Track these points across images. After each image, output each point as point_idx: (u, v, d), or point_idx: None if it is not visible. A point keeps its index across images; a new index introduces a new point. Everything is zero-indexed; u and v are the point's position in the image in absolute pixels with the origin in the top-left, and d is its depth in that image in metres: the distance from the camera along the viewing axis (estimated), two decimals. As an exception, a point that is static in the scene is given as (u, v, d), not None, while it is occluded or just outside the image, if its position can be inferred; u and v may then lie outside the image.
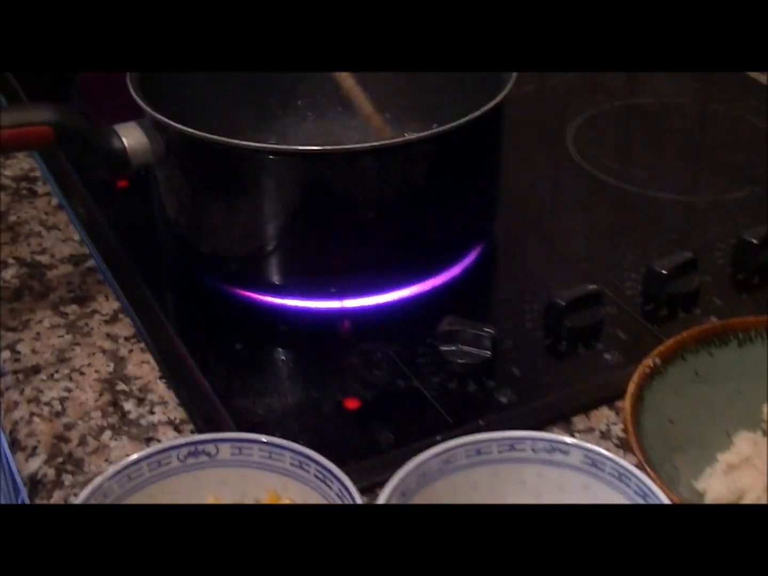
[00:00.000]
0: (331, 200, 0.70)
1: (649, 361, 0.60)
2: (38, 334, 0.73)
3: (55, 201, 0.87)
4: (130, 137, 0.71)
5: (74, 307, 0.76)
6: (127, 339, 0.73)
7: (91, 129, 0.70)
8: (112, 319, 0.74)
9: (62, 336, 0.73)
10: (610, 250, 0.81)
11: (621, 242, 0.81)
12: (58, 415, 0.66)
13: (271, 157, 0.68)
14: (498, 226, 0.80)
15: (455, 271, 0.77)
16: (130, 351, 0.71)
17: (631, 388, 0.58)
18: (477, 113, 0.70)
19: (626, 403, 0.57)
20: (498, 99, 0.72)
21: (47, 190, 0.89)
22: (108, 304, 0.76)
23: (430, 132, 0.69)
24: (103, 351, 0.72)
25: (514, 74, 0.74)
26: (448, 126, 0.69)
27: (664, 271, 0.74)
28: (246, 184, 0.70)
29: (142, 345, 0.72)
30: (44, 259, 0.80)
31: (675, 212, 0.85)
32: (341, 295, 0.74)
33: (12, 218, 0.85)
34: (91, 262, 0.80)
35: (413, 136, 0.68)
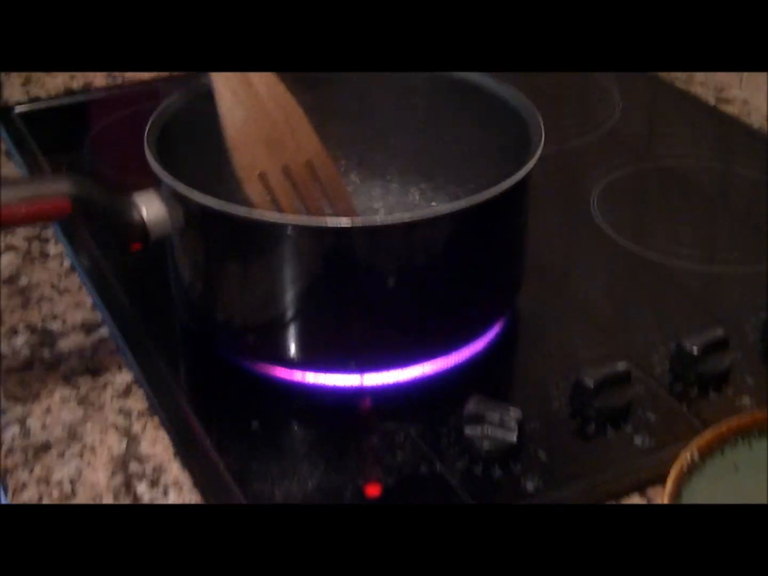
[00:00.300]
0: (351, 274, 0.68)
1: (686, 456, 0.57)
2: (48, 407, 0.71)
3: (67, 263, 0.85)
4: (149, 208, 0.69)
5: (86, 378, 0.73)
6: (140, 414, 0.70)
7: (109, 200, 0.68)
8: (125, 392, 0.72)
9: (73, 410, 0.71)
10: (636, 323, 0.78)
11: (648, 314, 0.79)
12: (68, 497, 0.64)
13: (291, 231, 0.66)
14: (521, 295, 0.78)
15: (479, 345, 0.75)
16: (144, 427, 0.69)
17: (670, 486, 0.55)
18: (504, 185, 0.68)
19: (665, 501, 0.55)
20: (525, 169, 0.70)
21: (59, 251, 0.87)
22: (121, 376, 0.74)
23: (455, 206, 0.67)
24: (116, 427, 0.69)
25: (542, 141, 0.72)
26: (474, 199, 0.67)
27: (694, 351, 0.72)
28: (266, 256, 0.68)
29: (156, 420, 0.70)
30: (56, 325, 0.78)
31: (703, 283, 0.83)
32: (361, 369, 0.71)
33: (23, 281, 0.83)
34: (103, 330, 0.78)
35: (439, 210, 0.66)
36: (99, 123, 1.06)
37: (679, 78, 1.16)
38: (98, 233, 0.85)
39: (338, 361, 0.71)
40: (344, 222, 0.66)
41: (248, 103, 0.72)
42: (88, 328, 0.78)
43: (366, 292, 0.69)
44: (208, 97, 0.78)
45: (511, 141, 0.76)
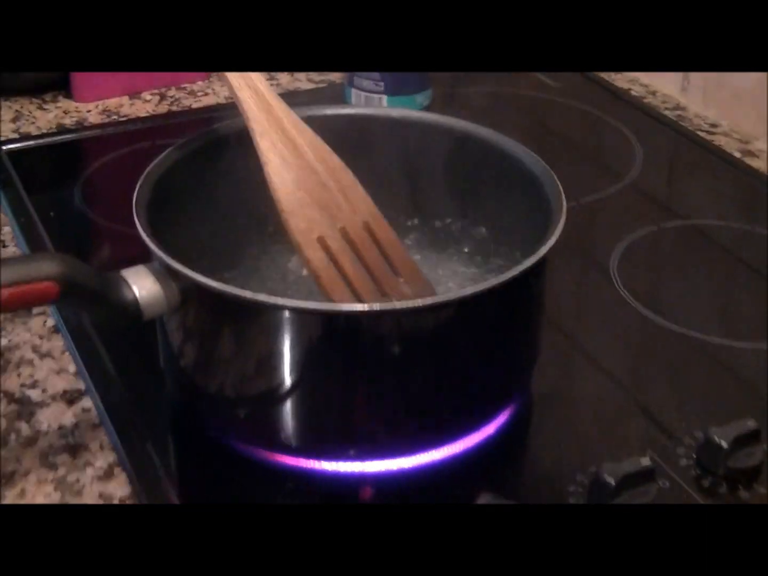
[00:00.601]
0: (352, 357, 0.63)
1: None
2: (23, 490, 0.65)
3: (51, 322, 0.80)
4: (142, 286, 0.63)
5: (65, 457, 0.68)
6: (121, 501, 0.65)
7: (99, 280, 0.63)
8: (107, 475, 0.67)
9: (50, 494, 0.65)
10: (659, 406, 0.73)
11: (672, 396, 0.74)
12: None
13: (291, 314, 0.61)
14: (535, 374, 0.72)
15: (489, 430, 0.69)
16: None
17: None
18: (520, 268, 0.62)
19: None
20: (545, 250, 0.64)
21: (43, 309, 0.81)
22: (102, 455, 0.68)
23: (470, 291, 0.61)
24: (95, 515, 0.64)
25: (563, 219, 0.66)
26: (486, 285, 0.62)
27: (723, 444, 0.66)
28: (263, 338, 0.63)
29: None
30: (35, 394, 0.73)
31: (732, 361, 0.77)
32: (361, 457, 0.66)
33: (3, 342, 0.78)
34: (86, 401, 0.72)
35: (449, 296, 0.61)
36: (92, 163, 1.01)
37: (702, 127, 1.11)
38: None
39: (337, 448, 0.66)
40: (347, 308, 0.61)
41: (296, 165, 0.68)
42: (69, 398, 0.73)
43: (367, 376, 0.64)
44: (207, 150, 0.73)
45: (528, 203, 0.71)
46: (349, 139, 0.74)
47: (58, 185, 0.97)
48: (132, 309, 0.63)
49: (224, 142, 0.72)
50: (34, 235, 0.89)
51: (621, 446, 0.68)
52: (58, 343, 0.78)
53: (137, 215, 0.65)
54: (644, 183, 1.00)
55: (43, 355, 0.77)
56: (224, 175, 0.72)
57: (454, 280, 0.77)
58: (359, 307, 0.61)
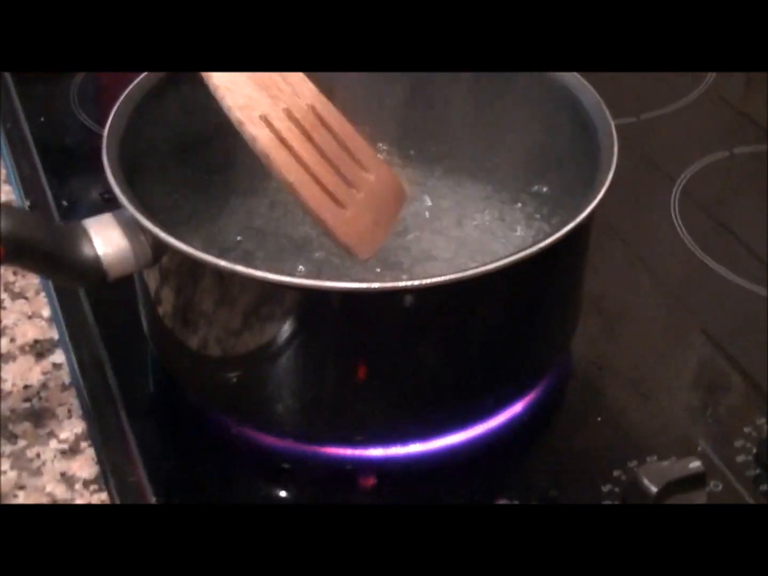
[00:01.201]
0: (359, 338, 0.53)
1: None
2: (-26, 466, 0.57)
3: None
4: (106, 241, 0.54)
5: (27, 425, 0.59)
6: (85, 485, 0.56)
7: (54, 237, 0.53)
8: (71, 450, 0.58)
9: (5, 472, 0.57)
10: (718, 387, 0.62)
11: (734, 373, 0.63)
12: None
13: (294, 291, 0.51)
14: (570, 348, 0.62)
15: (517, 409, 0.60)
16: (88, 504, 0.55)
17: None
18: (553, 239, 0.51)
19: None
20: (589, 209, 0.53)
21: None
22: (69, 425, 0.60)
23: (495, 265, 0.50)
24: (53, 501, 0.56)
25: (612, 170, 0.55)
26: (519, 255, 0.51)
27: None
28: (239, 309, 0.53)
29: (104, 496, 0.56)
30: (2, 343, 0.64)
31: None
32: (368, 443, 0.57)
33: (-30, 278, 0.69)
34: (58, 355, 0.64)
35: (475, 270, 0.50)
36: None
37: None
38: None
39: (342, 433, 0.57)
40: (357, 285, 0.51)
41: None
42: (39, 350, 0.64)
43: (376, 357, 0.54)
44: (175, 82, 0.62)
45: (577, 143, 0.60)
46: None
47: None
48: (93, 269, 0.54)
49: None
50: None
51: (667, 442, 0.58)
52: (33, 280, 0.69)
53: (107, 151, 0.56)
54: (716, 96, 0.87)
55: (15, 296, 0.68)
56: (195, 108, 0.61)
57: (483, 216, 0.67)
58: (356, 286, 0.51)
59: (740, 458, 0.58)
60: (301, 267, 0.62)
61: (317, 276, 0.61)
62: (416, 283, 0.50)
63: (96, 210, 0.56)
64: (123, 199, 0.53)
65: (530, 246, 0.51)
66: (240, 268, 0.50)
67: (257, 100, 0.57)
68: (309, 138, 0.58)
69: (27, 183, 0.76)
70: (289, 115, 0.58)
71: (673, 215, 0.73)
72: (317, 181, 0.56)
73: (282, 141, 0.56)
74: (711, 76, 0.88)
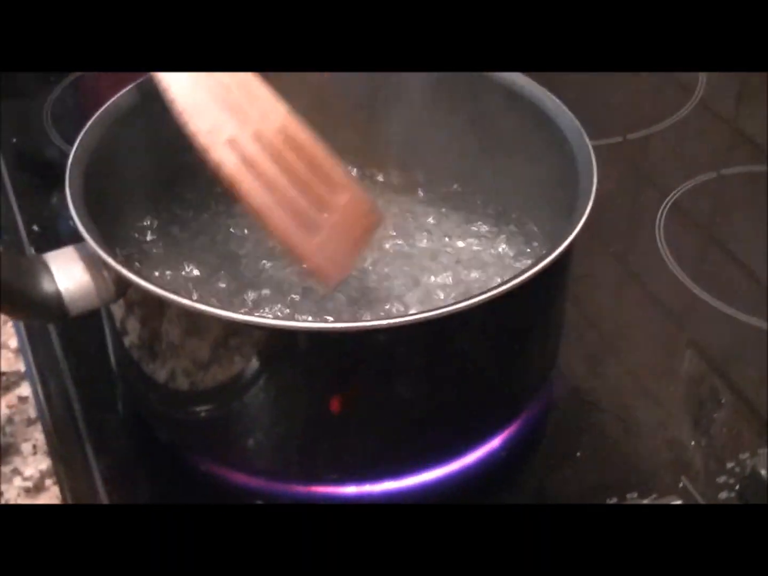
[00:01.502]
0: (329, 376, 0.52)
1: None
2: (-68, 504, 0.56)
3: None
4: (67, 276, 0.52)
5: (-10, 461, 0.58)
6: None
7: (11, 271, 0.51)
8: (36, 488, 0.57)
9: (-35, 513, 0.55)
10: (700, 430, 0.61)
11: (720, 414, 0.61)
12: None
13: (260, 331, 0.49)
14: (554, 374, 0.61)
15: (494, 444, 0.58)
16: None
17: None
18: (528, 274, 0.50)
19: None
20: (565, 244, 0.52)
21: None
22: (34, 461, 0.58)
23: (467, 303, 0.49)
24: (16, 544, 0.54)
25: (591, 201, 0.54)
26: (493, 291, 0.49)
27: None
28: (222, 350, 0.52)
29: (69, 537, 0.54)
30: (-33, 374, 0.63)
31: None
32: (343, 481, 0.55)
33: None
34: (24, 388, 0.62)
35: (447, 308, 0.49)
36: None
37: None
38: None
39: (315, 471, 0.56)
40: (331, 325, 0.49)
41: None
42: (6, 383, 0.62)
43: (351, 397, 0.53)
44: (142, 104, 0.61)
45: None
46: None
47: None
48: (54, 305, 0.52)
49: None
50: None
51: (651, 475, 0.56)
52: None
53: (69, 183, 0.54)
54: (705, 115, 0.85)
55: (-18, 325, 0.66)
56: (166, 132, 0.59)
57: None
58: (328, 326, 0.49)
59: (723, 495, 0.56)
60: (266, 291, 0.60)
61: (293, 305, 0.60)
62: (386, 322, 0.48)
63: (67, 236, 0.55)
64: (85, 233, 0.51)
65: (505, 282, 0.49)
66: (204, 308, 0.48)
67: (224, 124, 0.56)
68: (278, 161, 0.57)
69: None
70: (258, 137, 0.56)
71: (657, 238, 0.72)
72: (285, 206, 0.55)
73: (249, 165, 0.55)
74: (698, 94, 0.87)
